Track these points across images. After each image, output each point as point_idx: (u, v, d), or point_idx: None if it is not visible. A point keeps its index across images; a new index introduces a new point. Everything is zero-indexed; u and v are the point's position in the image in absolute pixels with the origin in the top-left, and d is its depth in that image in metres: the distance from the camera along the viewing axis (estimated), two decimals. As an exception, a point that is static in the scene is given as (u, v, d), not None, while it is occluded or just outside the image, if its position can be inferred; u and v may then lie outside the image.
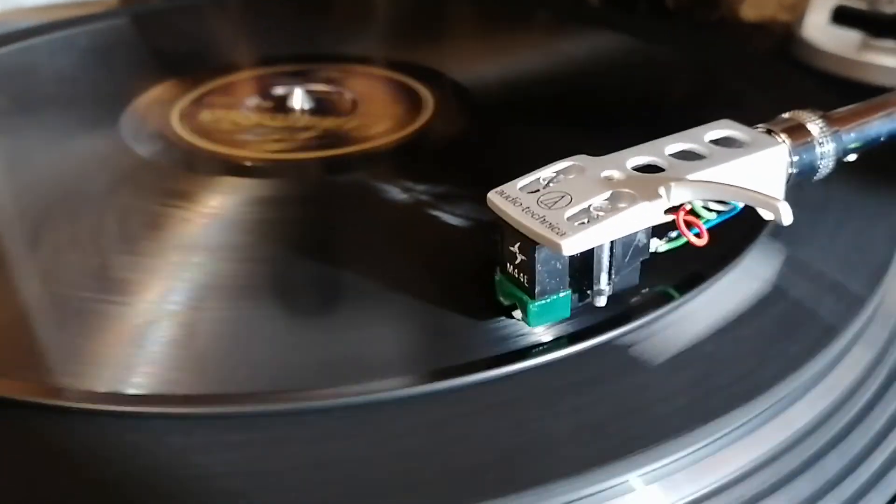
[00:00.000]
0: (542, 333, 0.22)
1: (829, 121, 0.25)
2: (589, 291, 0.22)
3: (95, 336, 0.23)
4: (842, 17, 0.42)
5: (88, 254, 0.26)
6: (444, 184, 0.29)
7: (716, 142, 0.23)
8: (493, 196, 0.21)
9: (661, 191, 0.21)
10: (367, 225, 0.28)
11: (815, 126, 0.24)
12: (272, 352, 0.22)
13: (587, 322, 0.22)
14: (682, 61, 0.39)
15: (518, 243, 0.21)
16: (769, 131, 0.24)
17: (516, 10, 0.46)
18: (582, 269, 0.21)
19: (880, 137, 0.26)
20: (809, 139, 0.24)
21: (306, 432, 0.20)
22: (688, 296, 0.23)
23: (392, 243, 0.27)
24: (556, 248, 0.20)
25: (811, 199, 0.27)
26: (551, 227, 0.20)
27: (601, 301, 0.22)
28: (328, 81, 0.37)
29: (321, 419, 0.20)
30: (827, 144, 0.24)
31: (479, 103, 0.35)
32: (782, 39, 0.47)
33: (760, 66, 0.39)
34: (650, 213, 0.20)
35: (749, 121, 0.24)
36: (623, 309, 0.22)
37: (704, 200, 0.21)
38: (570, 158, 0.22)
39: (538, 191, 0.22)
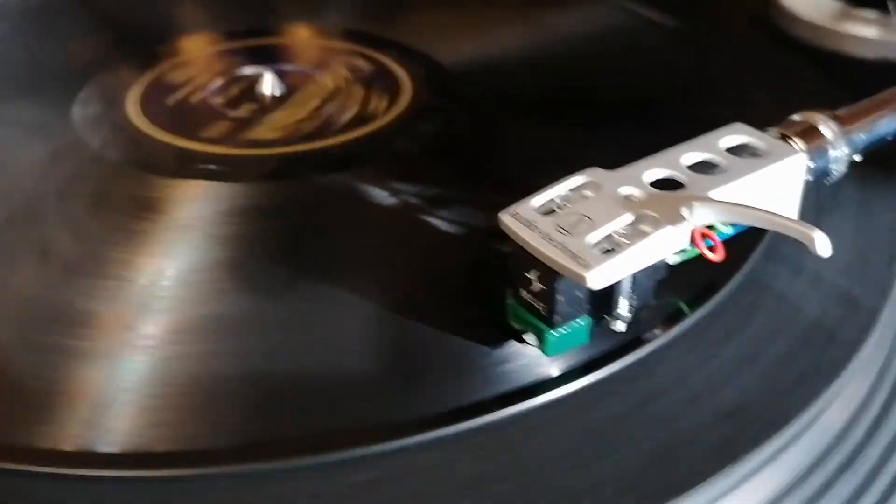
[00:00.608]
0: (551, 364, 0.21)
1: (840, 121, 0.24)
2: (608, 317, 0.21)
3: (55, 385, 0.21)
4: (823, -15, 0.41)
5: (39, 278, 0.24)
6: (428, 184, 0.27)
7: (731, 150, 0.22)
8: (507, 219, 0.20)
9: (685, 212, 0.20)
10: (354, 235, 0.26)
11: (827, 129, 0.23)
12: (259, 394, 0.21)
13: (596, 350, 0.21)
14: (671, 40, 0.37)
15: (536, 271, 0.20)
16: (783, 136, 0.23)
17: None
18: (602, 295, 0.20)
19: (888, 136, 0.25)
20: (823, 143, 0.23)
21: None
22: (698, 312, 0.22)
23: (381, 255, 0.25)
24: (581, 281, 0.18)
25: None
26: (574, 257, 0.19)
27: (620, 327, 0.21)
28: (297, 60, 0.34)
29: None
30: (840, 147, 0.23)
31: (461, 85, 0.33)
32: (760, 6, 0.46)
33: (753, 50, 0.38)
34: (675, 237, 0.19)
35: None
36: (636, 330, 0.21)
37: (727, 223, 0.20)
38: (583, 173, 0.21)
39: (554, 211, 0.20)
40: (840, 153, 0.23)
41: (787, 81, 0.36)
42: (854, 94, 0.36)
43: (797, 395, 0.21)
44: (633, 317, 0.21)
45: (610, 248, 0.19)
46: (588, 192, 0.21)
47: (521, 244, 0.20)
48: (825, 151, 0.23)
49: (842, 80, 0.37)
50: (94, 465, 0.19)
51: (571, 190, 0.21)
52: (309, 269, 0.24)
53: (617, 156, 0.29)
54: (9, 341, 0.22)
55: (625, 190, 0.21)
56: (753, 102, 0.32)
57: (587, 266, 0.18)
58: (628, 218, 0.20)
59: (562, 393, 0.20)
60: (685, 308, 0.23)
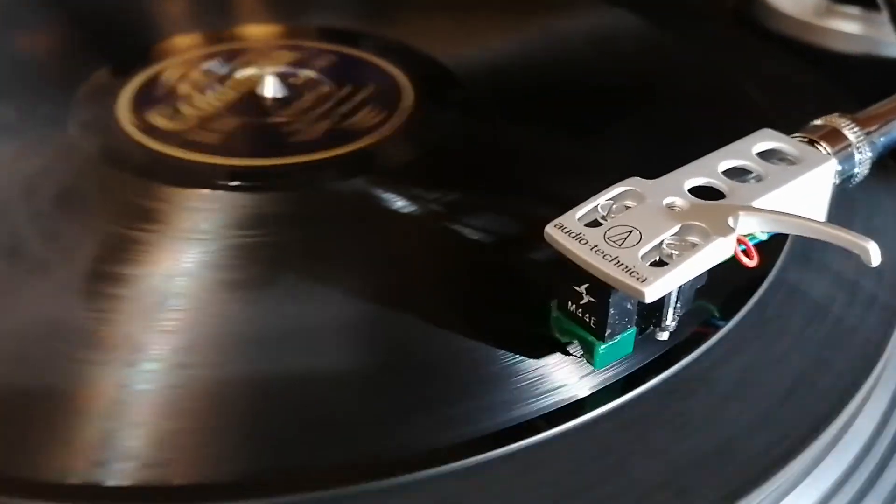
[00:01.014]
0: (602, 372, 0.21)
1: (860, 123, 0.24)
2: (653, 327, 0.21)
3: (57, 408, 0.20)
4: (807, -19, 0.41)
5: (38, 293, 0.23)
6: (443, 190, 0.26)
7: (762, 155, 0.23)
8: (554, 232, 0.20)
9: (731, 221, 0.20)
10: (371, 245, 0.25)
11: (850, 132, 0.24)
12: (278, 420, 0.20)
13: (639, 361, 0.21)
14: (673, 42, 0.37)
15: (586, 284, 0.20)
16: (811, 142, 0.23)
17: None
18: (652, 307, 0.20)
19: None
20: (848, 146, 0.24)
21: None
22: (733, 320, 0.23)
23: (407, 267, 0.24)
24: (639, 296, 0.18)
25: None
26: (629, 271, 0.19)
27: (664, 336, 0.21)
28: (296, 63, 0.33)
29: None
30: (864, 150, 0.24)
31: (464, 87, 0.32)
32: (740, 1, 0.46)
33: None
34: (724, 247, 0.19)
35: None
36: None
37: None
38: (624, 183, 0.21)
39: (598, 223, 0.20)
40: (864, 156, 0.24)
41: (781, 79, 0.36)
42: (842, 90, 0.37)
43: (830, 402, 0.21)
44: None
45: (658, 259, 0.19)
46: (630, 202, 0.21)
47: (569, 257, 0.20)
48: (851, 155, 0.23)
49: (828, 76, 0.38)
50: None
51: (612, 199, 0.21)
52: (327, 284, 0.23)
53: (625, 158, 0.30)
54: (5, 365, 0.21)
55: (668, 199, 0.21)
56: (753, 103, 0.32)
57: (645, 280, 0.18)
58: (675, 228, 0.20)
59: (610, 406, 0.20)
60: (717, 313, 0.23)
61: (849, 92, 0.36)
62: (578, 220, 0.20)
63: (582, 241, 0.19)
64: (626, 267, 0.19)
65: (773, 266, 0.24)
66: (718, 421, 0.20)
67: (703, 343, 0.21)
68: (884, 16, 0.39)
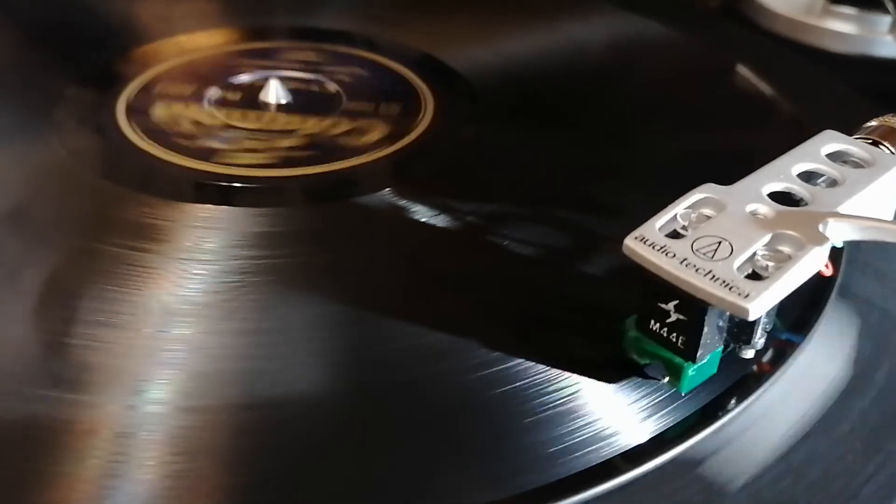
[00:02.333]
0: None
1: (914, 123, 0.24)
2: (739, 345, 0.19)
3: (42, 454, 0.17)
4: (803, -19, 0.41)
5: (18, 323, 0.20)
6: (471, 200, 0.25)
7: (830, 157, 0.21)
8: (635, 244, 0.18)
9: (821, 229, 0.19)
10: (396, 266, 0.23)
11: (909, 132, 0.23)
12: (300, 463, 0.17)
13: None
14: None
15: (675, 301, 0.18)
16: (875, 143, 0.22)
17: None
18: (745, 325, 0.18)
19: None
20: (908, 147, 0.23)
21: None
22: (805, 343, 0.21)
23: (434, 290, 0.22)
24: (742, 313, 0.17)
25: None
26: (727, 286, 0.17)
27: (750, 353, 0.19)
28: (304, 66, 0.31)
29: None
30: (924, 151, 0.23)
31: (483, 97, 0.30)
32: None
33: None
34: (819, 257, 0.18)
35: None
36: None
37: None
38: (700, 190, 0.20)
39: (681, 234, 0.19)
40: (924, 157, 0.23)
41: (791, 79, 0.35)
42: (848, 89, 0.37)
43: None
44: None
45: (752, 271, 0.18)
46: (708, 210, 0.19)
47: (655, 272, 0.18)
48: (913, 157, 0.23)
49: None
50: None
51: (690, 208, 0.19)
52: (356, 308, 0.21)
53: (651, 163, 0.28)
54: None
55: (750, 206, 0.19)
56: (778, 106, 0.32)
57: (748, 296, 0.17)
58: (766, 238, 0.18)
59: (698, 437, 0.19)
60: (789, 333, 0.21)
61: (851, 90, 0.36)
62: (658, 230, 0.19)
63: (669, 255, 0.18)
64: (724, 282, 0.17)
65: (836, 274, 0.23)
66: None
67: (786, 362, 0.20)
68: (882, 15, 0.39)
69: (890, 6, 0.37)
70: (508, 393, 0.19)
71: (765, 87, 0.33)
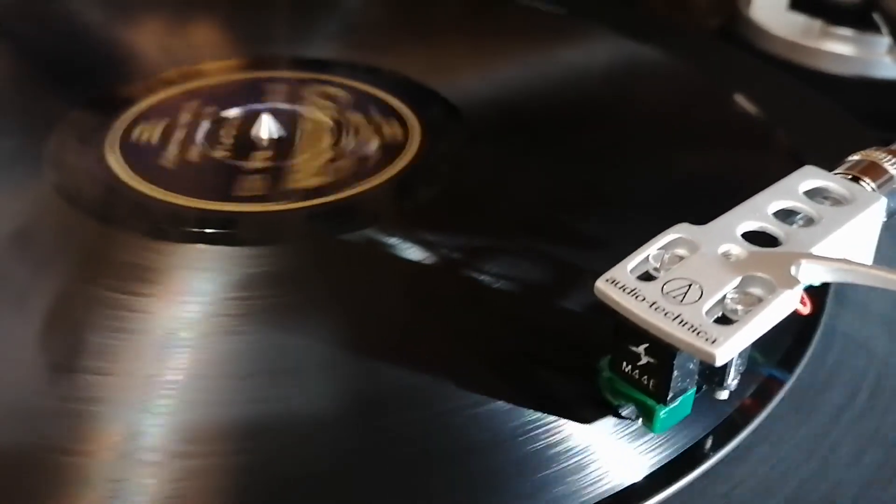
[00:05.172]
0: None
1: (897, 155, 0.23)
2: (713, 386, 0.19)
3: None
4: (800, 3, 0.41)
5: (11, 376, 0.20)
6: (457, 235, 0.25)
7: (808, 195, 0.21)
8: (606, 287, 0.18)
9: (793, 271, 0.19)
10: (388, 304, 0.23)
11: (891, 166, 0.23)
12: None
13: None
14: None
15: (645, 344, 0.18)
16: (855, 178, 0.22)
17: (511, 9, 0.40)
18: (717, 367, 0.18)
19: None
20: (890, 180, 0.22)
21: None
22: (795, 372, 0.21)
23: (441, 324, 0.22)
24: (709, 359, 0.17)
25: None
26: (695, 331, 0.17)
27: (724, 395, 0.19)
28: (294, 99, 0.31)
29: None
30: (906, 185, 0.23)
31: (473, 126, 0.30)
32: (727, 18, 0.46)
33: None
34: (790, 300, 0.18)
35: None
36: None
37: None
38: (674, 230, 0.20)
39: (653, 276, 0.19)
40: (906, 191, 0.23)
41: (783, 102, 0.35)
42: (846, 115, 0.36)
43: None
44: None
45: (722, 315, 0.18)
46: (682, 251, 0.19)
47: (626, 315, 0.18)
48: (895, 190, 0.22)
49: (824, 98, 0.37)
50: None
51: (663, 248, 0.19)
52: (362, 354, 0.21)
53: (641, 192, 0.28)
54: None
55: (723, 247, 0.19)
56: (773, 136, 0.31)
57: (715, 342, 0.17)
58: (736, 281, 0.18)
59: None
60: (778, 371, 0.21)
61: (850, 113, 0.36)
62: (630, 272, 0.19)
63: (639, 298, 0.18)
64: (692, 326, 0.17)
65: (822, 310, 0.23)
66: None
67: (771, 401, 0.20)
68: (880, 37, 0.39)
69: (884, 29, 0.37)
70: (494, 435, 0.19)
71: (760, 115, 0.33)
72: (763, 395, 0.20)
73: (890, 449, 0.20)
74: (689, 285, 0.18)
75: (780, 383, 0.21)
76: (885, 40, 0.40)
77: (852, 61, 0.40)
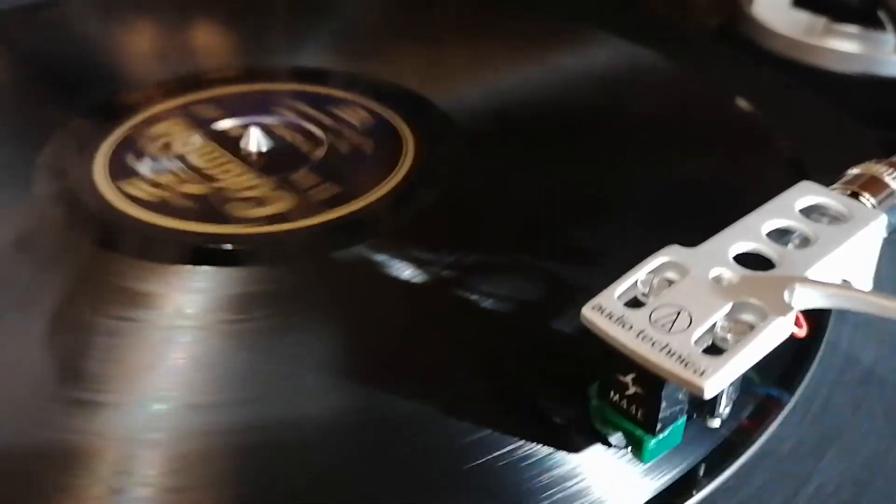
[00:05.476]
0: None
1: (898, 168, 0.23)
2: (704, 415, 0.19)
3: None
4: (804, 0, 0.40)
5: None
6: (455, 251, 0.24)
7: (805, 212, 0.21)
8: (592, 315, 0.18)
9: (787, 296, 0.18)
10: (382, 324, 0.22)
11: (892, 179, 0.22)
12: None
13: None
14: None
15: (632, 374, 0.17)
16: (854, 194, 0.21)
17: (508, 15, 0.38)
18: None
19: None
20: (891, 194, 0.22)
21: None
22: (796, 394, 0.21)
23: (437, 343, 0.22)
24: (697, 392, 0.16)
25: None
26: (683, 362, 0.16)
27: (716, 424, 0.19)
28: (283, 110, 0.31)
29: None
30: (909, 198, 0.22)
31: (470, 139, 0.30)
32: (729, 16, 0.45)
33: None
34: (782, 328, 0.17)
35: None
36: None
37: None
38: (663, 253, 0.19)
39: (640, 301, 0.18)
40: (909, 205, 0.22)
41: (787, 103, 0.34)
42: (844, 111, 0.36)
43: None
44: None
45: (712, 343, 0.17)
46: (671, 275, 0.19)
47: (613, 344, 0.17)
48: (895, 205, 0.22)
49: (827, 97, 0.37)
50: None
51: (652, 272, 0.19)
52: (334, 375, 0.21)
53: (640, 200, 0.28)
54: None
55: (714, 271, 0.19)
56: (774, 142, 0.31)
57: (703, 373, 0.16)
58: (727, 308, 0.18)
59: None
60: (779, 392, 0.21)
61: (854, 113, 0.35)
62: (618, 298, 0.18)
63: (626, 326, 0.17)
64: (680, 357, 0.17)
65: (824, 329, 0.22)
66: None
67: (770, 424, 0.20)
68: (886, 34, 0.38)
69: (889, 26, 0.36)
70: (484, 462, 0.19)
71: (761, 120, 0.32)
72: (762, 415, 0.20)
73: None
74: (678, 312, 0.18)
75: (780, 405, 0.20)
76: (890, 38, 0.39)
77: (857, 59, 0.39)
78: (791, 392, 0.21)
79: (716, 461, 0.19)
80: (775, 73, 0.35)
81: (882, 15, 0.37)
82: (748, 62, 0.36)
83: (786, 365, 0.21)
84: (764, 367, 0.20)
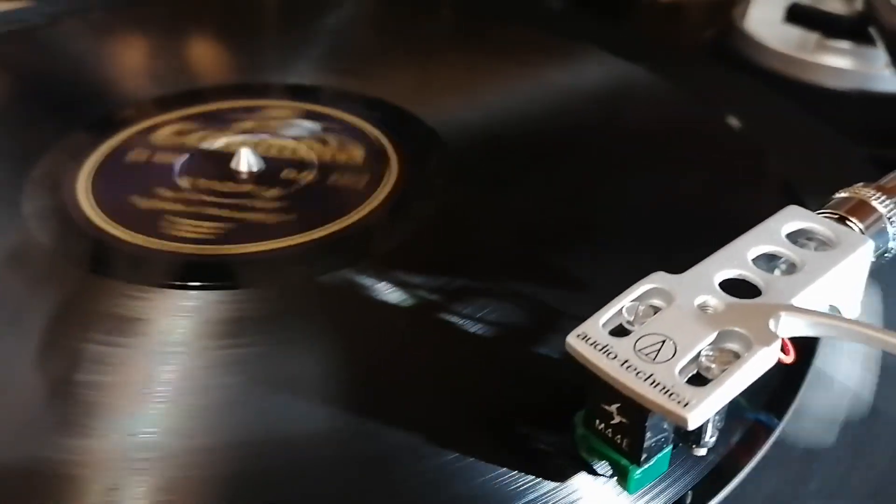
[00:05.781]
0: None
1: (887, 192, 0.22)
2: (689, 444, 0.18)
3: None
4: (796, 16, 0.40)
5: None
6: (436, 274, 0.24)
7: (791, 237, 0.21)
8: (577, 343, 0.18)
9: (772, 325, 0.18)
10: (368, 350, 0.22)
11: (880, 203, 0.22)
12: None
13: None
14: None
15: (617, 404, 0.17)
16: (841, 219, 0.21)
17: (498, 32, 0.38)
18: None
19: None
20: (879, 219, 0.22)
21: None
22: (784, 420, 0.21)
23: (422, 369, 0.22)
24: (681, 423, 0.16)
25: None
26: (667, 392, 0.16)
27: (702, 452, 0.19)
28: (269, 127, 0.31)
29: None
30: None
31: (458, 157, 0.29)
32: (722, 31, 0.45)
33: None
34: (767, 358, 0.17)
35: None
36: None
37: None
38: (649, 280, 0.19)
39: (625, 329, 0.18)
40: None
41: (777, 119, 0.34)
42: (836, 127, 0.35)
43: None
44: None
45: (696, 372, 0.17)
46: (657, 302, 0.19)
47: (597, 373, 0.17)
48: (883, 229, 0.22)
49: (819, 113, 0.36)
50: None
51: (637, 300, 0.19)
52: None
53: (626, 222, 0.28)
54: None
55: (699, 299, 0.18)
56: (768, 165, 0.31)
57: (687, 405, 0.16)
58: (712, 337, 0.18)
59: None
60: (768, 418, 0.21)
61: (847, 129, 0.35)
62: (602, 326, 0.18)
63: (610, 356, 0.17)
64: (664, 387, 0.17)
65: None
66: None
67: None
68: (878, 50, 0.38)
69: (880, 43, 0.36)
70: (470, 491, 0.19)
71: (753, 141, 0.32)
72: (751, 442, 0.20)
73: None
74: (663, 342, 0.17)
75: (770, 430, 0.20)
76: (882, 53, 0.39)
77: (850, 75, 0.40)
78: (780, 417, 0.21)
79: (706, 488, 0.19)
80: (768, 91, 0.35)
81: (872, 31, 0.37)
82: (740, 79, 0.36)
83: (774, 390, 0.21)
84: (753, 392, 0.20)
